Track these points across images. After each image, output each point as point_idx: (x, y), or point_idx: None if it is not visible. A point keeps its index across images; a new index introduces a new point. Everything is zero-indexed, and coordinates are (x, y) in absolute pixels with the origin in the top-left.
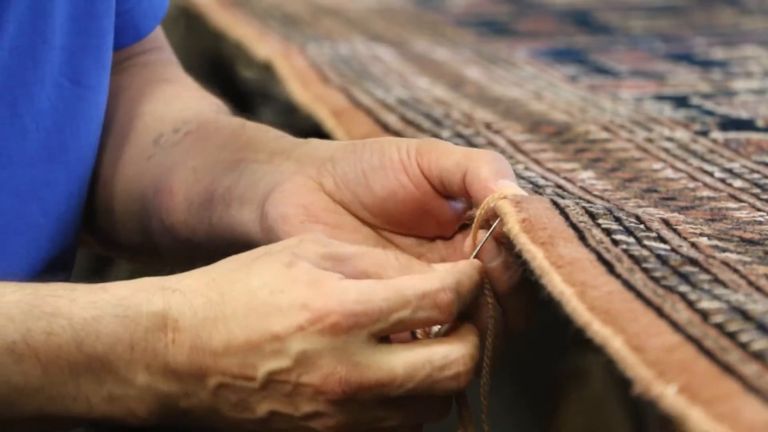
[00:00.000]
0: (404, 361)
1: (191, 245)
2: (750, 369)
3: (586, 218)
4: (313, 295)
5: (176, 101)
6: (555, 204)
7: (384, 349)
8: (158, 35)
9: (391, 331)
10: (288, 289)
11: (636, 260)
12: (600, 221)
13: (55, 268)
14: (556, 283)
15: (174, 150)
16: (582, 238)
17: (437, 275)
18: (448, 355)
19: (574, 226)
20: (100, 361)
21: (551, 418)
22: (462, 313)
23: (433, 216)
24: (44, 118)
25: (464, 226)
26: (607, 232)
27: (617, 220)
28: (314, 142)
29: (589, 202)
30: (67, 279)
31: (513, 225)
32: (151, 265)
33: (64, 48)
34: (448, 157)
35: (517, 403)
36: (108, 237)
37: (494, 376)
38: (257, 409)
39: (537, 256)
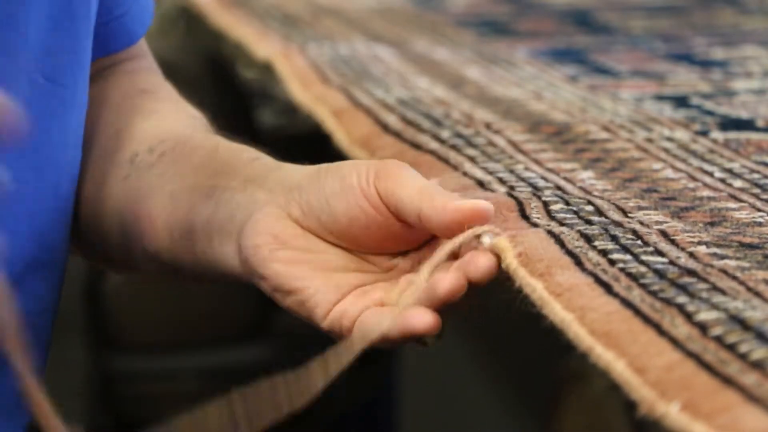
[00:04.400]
0: None
1: (177, 271)
2: (750, 379)
3: (581, 243)
4: None
5: (153, 116)
6: (550, 233)
7: None
8: (142, 43)
9: None
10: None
11: (633, 277)
12: (596, 243)
13: (37, 269)
14: (556, 311)
15: (149, 172)
16: (578, 263)
17: None
18: None
19: (570, 253)
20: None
21: (551, 418)
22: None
23: (398, 236)
24: None
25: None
26: (604, 252)
27: (613, 238)
28: (287, 168)
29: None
30: (55, 282)
31: (510, 260)
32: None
33: (41, 44)
34: (402, 189)
35: (517, 403)
36: (95, 252)
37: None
38: None
39: (536, 288)
